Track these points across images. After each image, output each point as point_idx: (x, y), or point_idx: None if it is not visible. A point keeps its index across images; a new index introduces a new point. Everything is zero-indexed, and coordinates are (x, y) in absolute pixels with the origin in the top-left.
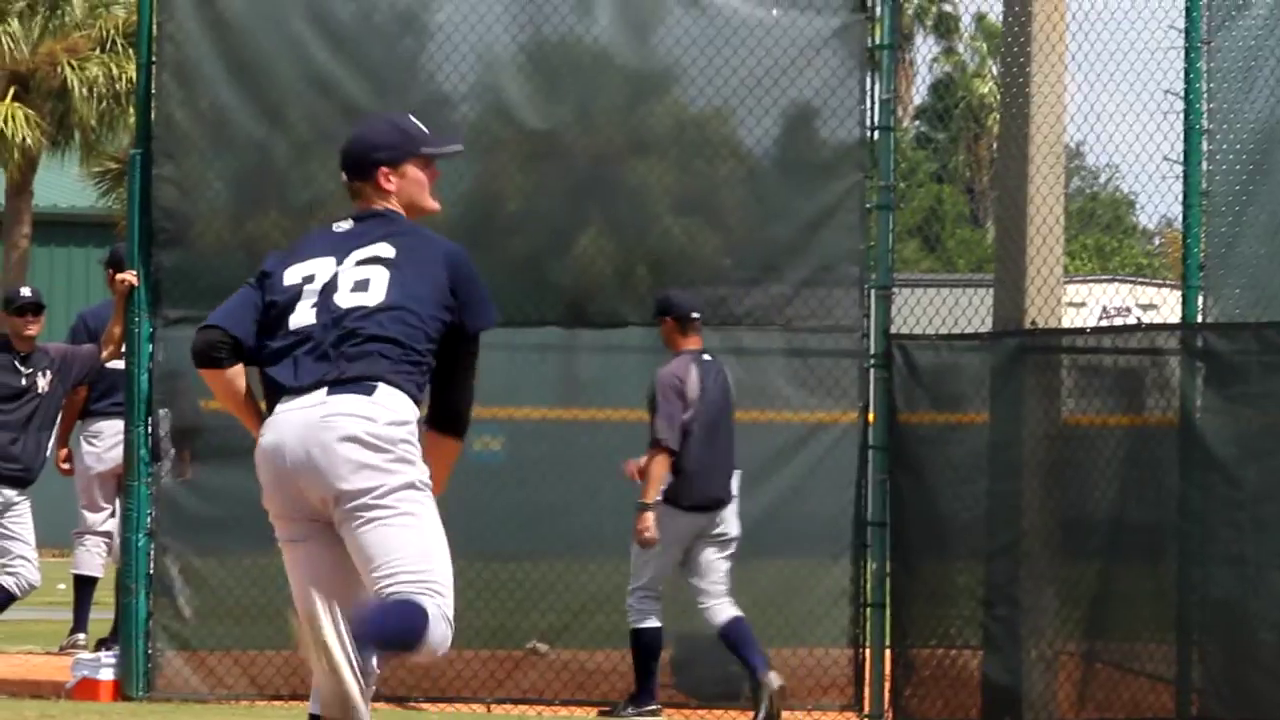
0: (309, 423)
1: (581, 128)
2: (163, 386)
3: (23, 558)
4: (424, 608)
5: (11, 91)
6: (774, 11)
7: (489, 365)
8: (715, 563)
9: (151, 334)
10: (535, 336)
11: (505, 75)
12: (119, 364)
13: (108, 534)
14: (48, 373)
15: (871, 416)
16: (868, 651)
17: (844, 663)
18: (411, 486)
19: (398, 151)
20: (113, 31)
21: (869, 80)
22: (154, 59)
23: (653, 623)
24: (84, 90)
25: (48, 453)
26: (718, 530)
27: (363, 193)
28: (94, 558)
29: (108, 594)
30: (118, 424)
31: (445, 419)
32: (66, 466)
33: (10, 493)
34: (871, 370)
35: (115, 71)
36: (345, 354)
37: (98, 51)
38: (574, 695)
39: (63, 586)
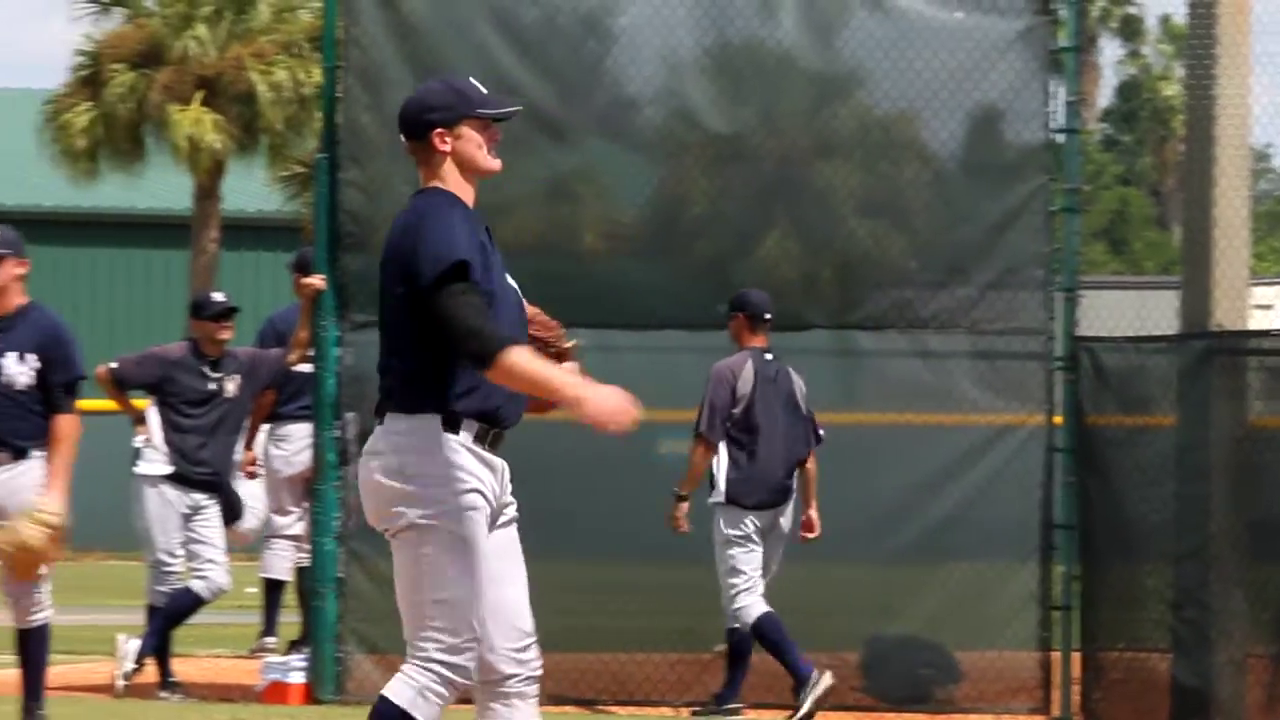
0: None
1: (766, 130)
2: (350, 390)
3: (212, 561)
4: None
5: (199, 96)
6: (957, 14)
7: (675, 368)
8: (768, 561)
9: (339, 338)
10: (720, 339)
11: (689, 78)
12: (306, 367)
13: (297, 537)
14: (236, 377)
15: (1058, 419)
16: (1056, 654)
17: (1032, 666)
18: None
19: (452, 112)
20: (299, 36)
21: (1053, 83)
22: (339, 63)
23: (761, 608)
24: (271, 95)
25: (235, 456)
26: (777, 527)
27: (419, 159)
28: (281, 561)
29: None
30: (305, 428)
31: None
32: (252, 469)
33: (200, 496)
34: (1058, 372)
35: (302, 76)
36: None
37: (284, 56)
38: (761, 698)
39: (252, 590)
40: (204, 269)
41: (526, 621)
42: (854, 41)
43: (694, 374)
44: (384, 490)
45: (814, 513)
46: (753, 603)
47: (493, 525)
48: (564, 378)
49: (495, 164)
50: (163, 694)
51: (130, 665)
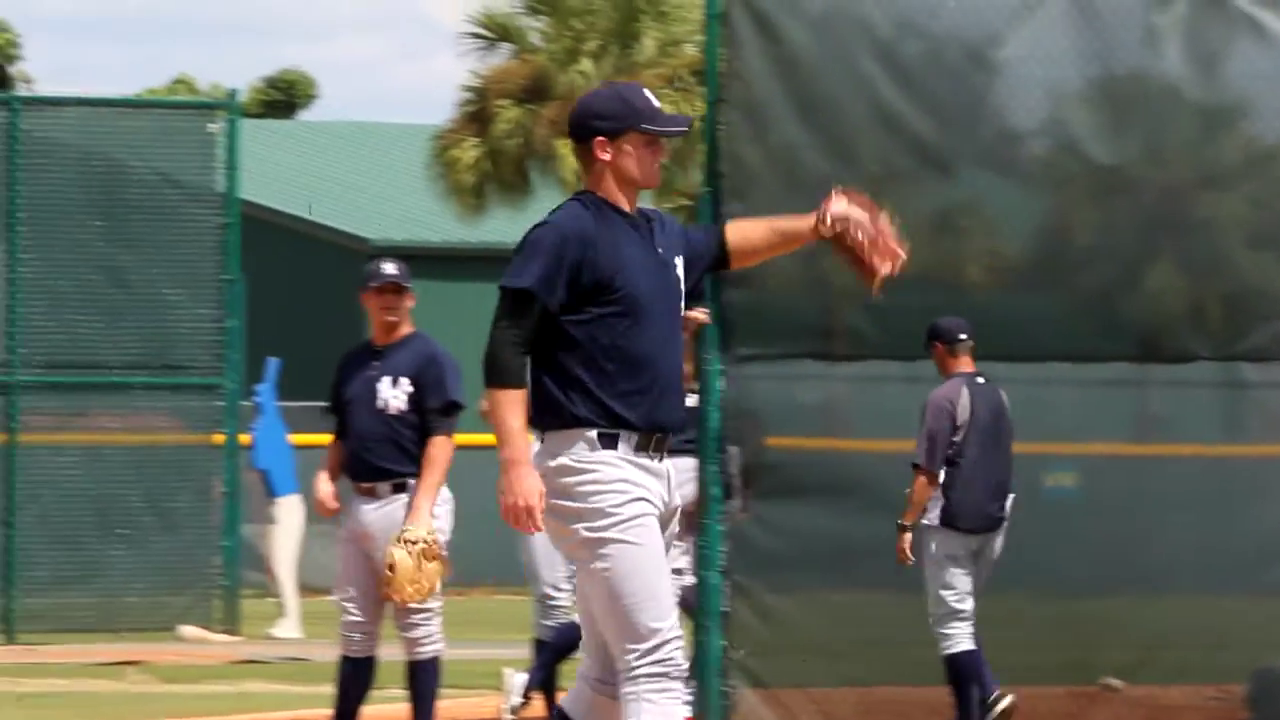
0: None
1: (1151, 162)
2: (733, 424)
3: None
4: None
5: None
6: None
7: (1058, 400)
8: (976, 586)
9: (723, 371)
10: (1106, 372)
11: (1074, 110)
12: (689, 401)
13: (679, 571)
14: None
15: None
16: None
17: None
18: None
19: (618, 123)
20: (683, 70)
21: None
22: (722, 97)
23: (964, 646)
24: None
25: None
26: (989, 553)
27: (581, 158)
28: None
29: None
30: (687, 461)
31: None
32: None
33: None
34: None
35: (686, 109)
36: None
37: (668, 90)
38: None
39: None
40: None
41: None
42: (1238, 72)
43: (1079, 407)
44: (551, 509)
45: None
46: (960, 635)
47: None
48: (517, 447)
49: (654, 179)
50: None
51: (517, 699)
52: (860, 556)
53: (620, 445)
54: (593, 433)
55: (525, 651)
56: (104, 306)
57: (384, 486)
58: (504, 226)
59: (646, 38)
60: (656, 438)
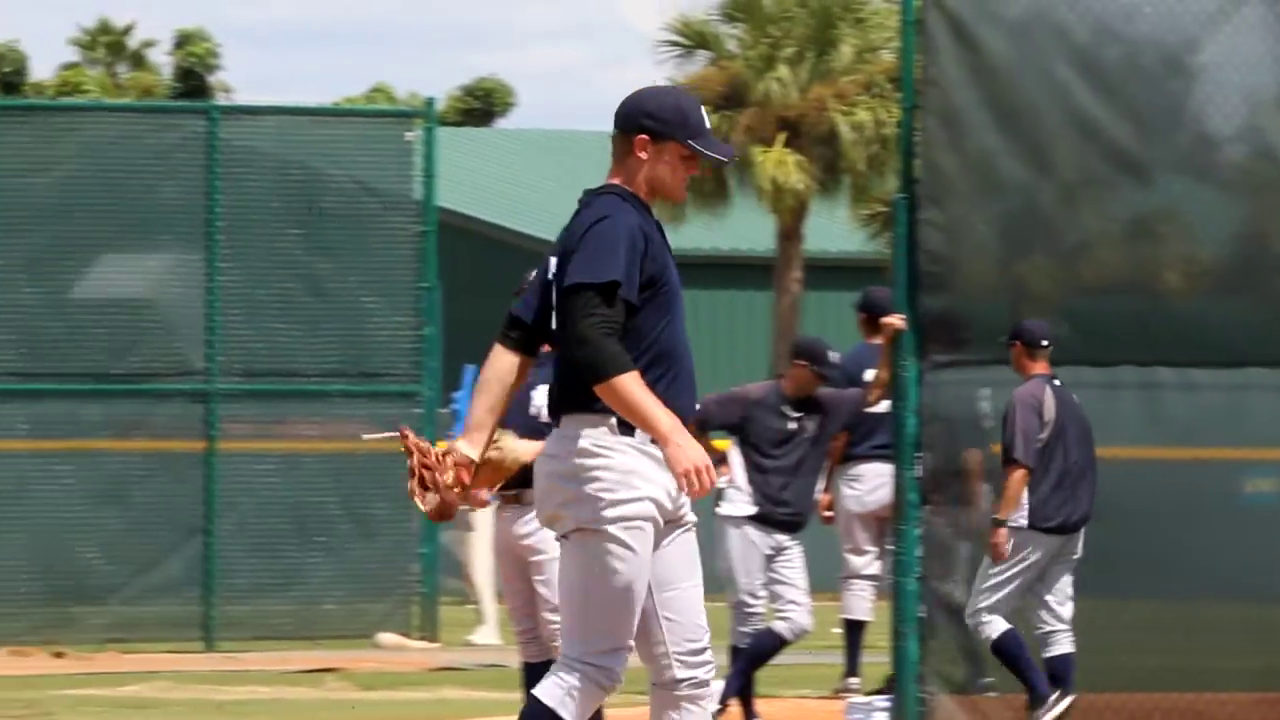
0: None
1: None
2: (929, 429)
3: (795, 602)
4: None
5: (781, 138)
6: None
7: (1257, 406)
8: (1064, 585)
9: (919, 376)
10: None
11: (1271, 116)
12: (880, 407)
13: (875, 577)
14: (815, 417)
15: None
16: None
17: None
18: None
19: (667, 128)
20: (880, 76)
21: None
22: (918, 104)
23: (1001, 626)
24: (852, 135)
25: (815, 497)
26: (1072, 553)
27: (616, 150)
28: (862, 601)
29: (879, 638)
30: (879, 467)
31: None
32: (829, 514)
33: (782, 537)
34: None
35: (883, 116)
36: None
37: (865, 96)
38: None
39: (837, 630)
40: (787, 310)
41: (701, 627)
42: None
43: (1278, 413)
44: (555, 493)
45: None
46: (994, 620)
47: (668, 529)
48: (665, 418)
49: (681, 195)
50: None
51: (715, 706)
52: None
53: (638, 433)
54: (613, 419)
55: (721, 658)
56: (302, 315)
57: (526, 494)
58: (700, 233)
59: (843, 44)
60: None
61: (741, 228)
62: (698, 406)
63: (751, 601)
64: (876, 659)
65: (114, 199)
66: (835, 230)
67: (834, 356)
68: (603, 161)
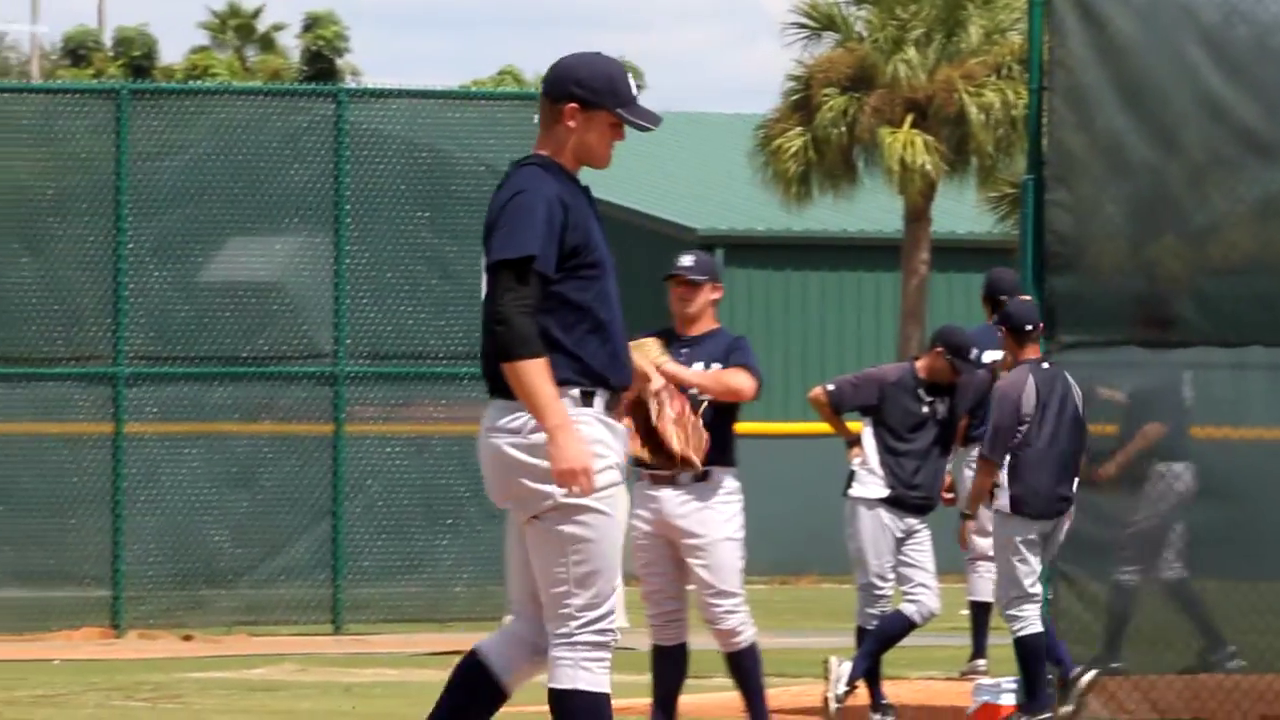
0: (481, 438)
1: None
2: None
3: (923, 585)
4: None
5: (910, 119)
6: None
7: None
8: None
9: (1047, 357)
10: None
11: None
12: None
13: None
14: (945, 399)
15: None
16: None
17: None
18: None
19: (598, 96)
20: (1008, 57)
21: None
22: (1046, 85)
23: (1035, 628)
24: (981, 116)
25: (943, 480)
26: (1056, 536)
27: (543, 118)
28: (988, 583)
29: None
30: None
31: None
32: (949, 496)
33: (913, 520)
34: None
35: (1011, 97)
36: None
37: (993, 77)
38: None
39: (964, 612)
40: (914, 291)
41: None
42: None
43: None
44: (524, 469)
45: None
46: (1031, 618)
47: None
48: (559, 412)
49: (606, 162)
50: (875, 716)
51: (842, 688)
52: (1187, 544)
53: (595, 402)
54: (575, 391)
55: (850, 640)
56: (429, 297)
57: (685, 475)
58: (828, 215)
59: (971, 25)
60: (618, 397)
61: (869, 209)
62: (831, 387)
63: (880, 584)
64: (1004, 641)
65: (242, 183)
66: (963, 211)
67: (975, 354)
68: (731, 143)
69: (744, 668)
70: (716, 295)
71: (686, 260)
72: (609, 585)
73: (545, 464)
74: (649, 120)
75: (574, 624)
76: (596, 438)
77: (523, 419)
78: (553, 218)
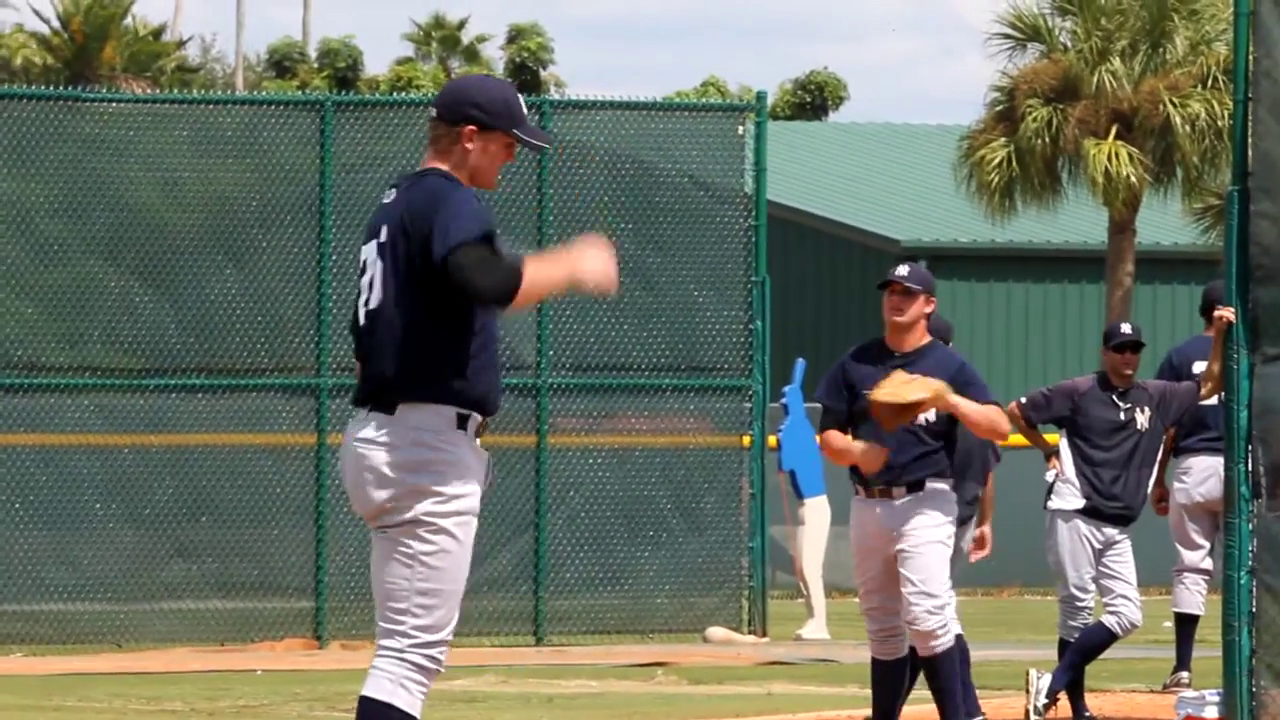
0: (349, 449)
1: None
2: (1259, 423)
3: (1124, 597)
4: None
5: (1114, 130)
6: None
7: None
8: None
9: (1250, 370)
10: None
11: None
12: (1208, 400)
13: (1207, 571)
14: (1146, 409)
15: None
16: None
17: None
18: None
19: (495, 119)
20: (1213, 68)
21: None
22: (1250, 95)
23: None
24: (1186, 127)
25: (1147, 490)
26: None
27: (438, 139)
28: (1193, 595)
29: (1210, 632)
30: (1208, 460)
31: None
32: (1161, 506)
33: (1112, 531)
34: None
35: (1217, 108)
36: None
37: (1199, 88)
38: None
39: (1168, 625)
40: (1119, 303)
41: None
42: None
43: None
44: (389, 482)
45: (988, 530)
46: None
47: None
48: (562, 267)
49: (494, 183)
50: None
51: (1043, 700)
52: None
53: (468, 427)
54: (452, 412)
55: (1052, 653)
56: (632, 309)
57: (900, 489)
58: (1032, 226)
59: (1177, 36)
60: (484, 423)
61: (1074, 221)
62: (1024, 400)
63: (1081, 596)
64: (1208, 653)
65: None
66: (1168, 223)
67: (1125, 329)
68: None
69: (941, 672)
70: (930, 308)
71: (903, 270)
72: (450, 611)
73: (407, 479)
74: (542, 140)
75: (406, 641)
76: (466, 461)
77: (393, 433)
78: (486, 213)
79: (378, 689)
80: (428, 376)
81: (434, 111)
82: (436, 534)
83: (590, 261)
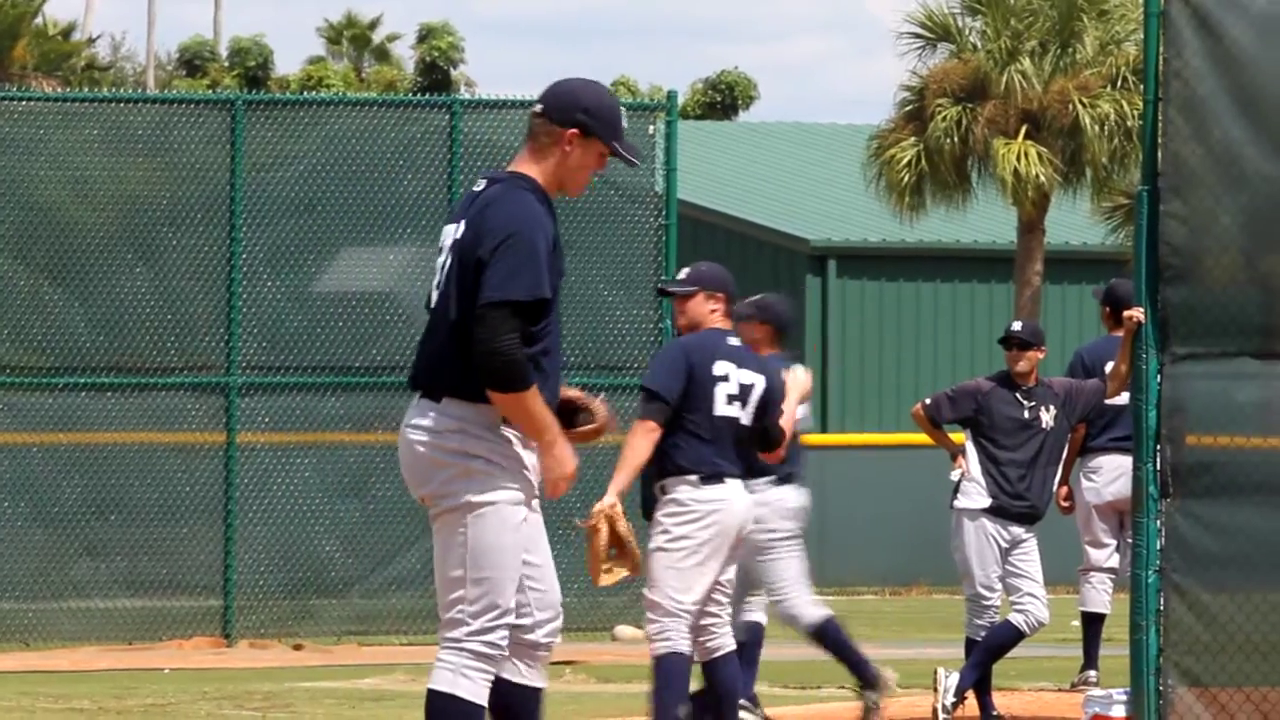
0: (403, 433)
1: None
2: (1168, 422)
3: (1031, 595)
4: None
5: (1024, 130)
6: None
7: None
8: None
9: (1159, 369)
10: None
11: None
12: (1118, 400)
13: (1113, 570)
14: (1051, 407)
15: None
16: None
17: None
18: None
19: (600, 128)
20: (1123, 68)
21: None
22: (1160, 96)
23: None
24: (1095, 127)
25: (1053, 489)
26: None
27: (537, 136)
28: (1100, 594)
29: (1117, 631)
30: (1116, 459)
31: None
32: (1066, 504)
33: (1019, 530)
34: None
35: (1126, 108)
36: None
37: (1109, 88)
38: None
39: (1075, 624)
40: (1028, 302)
41: (557, 596)
42: None
43: None
44: (440, 468)
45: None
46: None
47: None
48: (554, 428)
49: (581, 192)
50: None
51: (951, 699)
52: None
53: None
54: (493, 411)
55: (959, 651)
56: None
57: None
58: (942, 226)
59: (1086, 36)
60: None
61: (983, 221)
62: (928, 401)
63: (988, 595)
64: (1115, 652)
65: (356, 193)
66: (1077, 223)
67: (1015, 327)
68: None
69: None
70: (714, 304)
71: (681, 274)
72: (503, 597)
73: (452, 466)
74: (636, 157)
75: (463, 630)
76: (514, 453)
77: (444, 422)
78: (546, 250)
79: (440, 680)
80: (472, 377)
81: (539, 107)
82: (485, 515)
83: (561, 466)
